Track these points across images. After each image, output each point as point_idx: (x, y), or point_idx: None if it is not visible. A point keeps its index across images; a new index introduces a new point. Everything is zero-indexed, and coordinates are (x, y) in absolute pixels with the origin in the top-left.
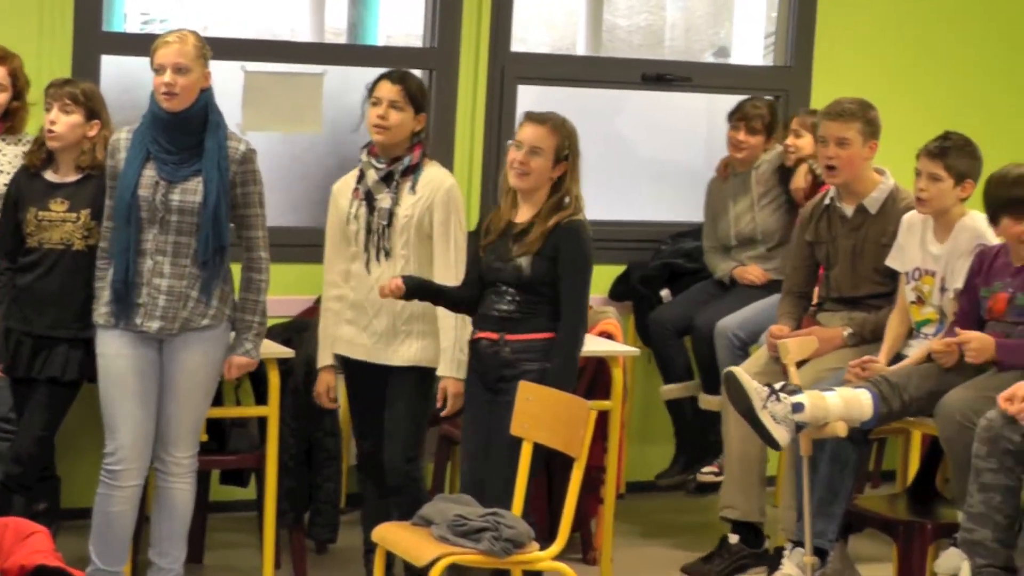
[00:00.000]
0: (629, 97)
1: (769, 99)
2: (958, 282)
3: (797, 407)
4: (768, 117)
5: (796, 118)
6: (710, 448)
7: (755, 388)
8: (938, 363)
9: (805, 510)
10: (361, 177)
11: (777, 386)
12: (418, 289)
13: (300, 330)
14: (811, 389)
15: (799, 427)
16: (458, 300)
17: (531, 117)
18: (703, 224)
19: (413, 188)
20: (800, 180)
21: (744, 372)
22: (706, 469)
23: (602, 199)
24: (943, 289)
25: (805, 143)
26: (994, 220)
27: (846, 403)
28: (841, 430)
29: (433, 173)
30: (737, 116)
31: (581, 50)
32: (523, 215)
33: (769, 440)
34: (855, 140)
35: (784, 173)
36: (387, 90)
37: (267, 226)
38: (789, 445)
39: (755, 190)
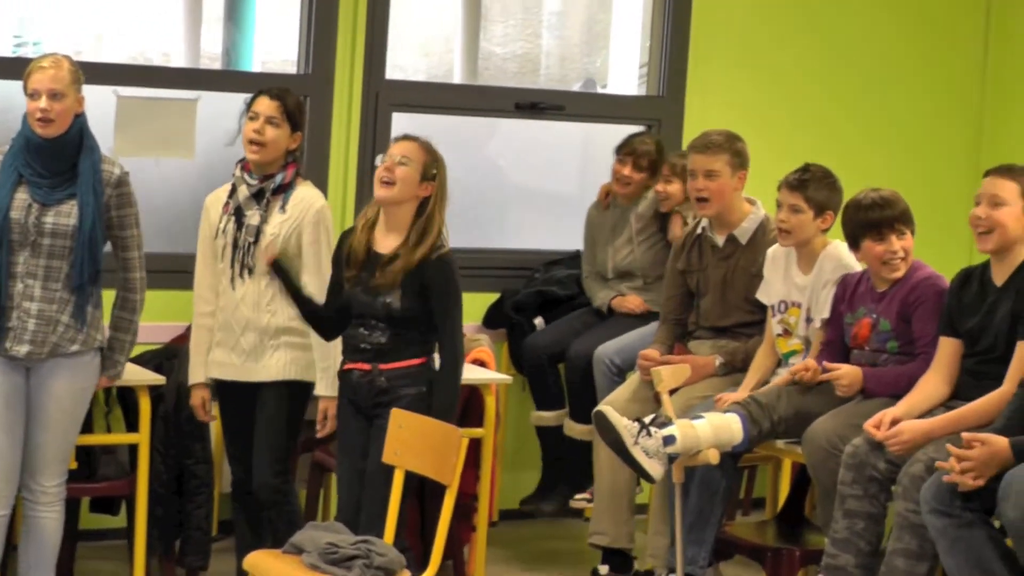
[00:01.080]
0: (504, 125)
1: (657, 138)
2: (823, 312)
3: (668, 440)
4: (655, 155)
5: (666, 164)
6: (577, 475)
7: (625, 425)
8: (800, 382)
9: (677, 536)
10: (233, 192)
11: (647, 420)
12: (283, 271)
13: (171, 356)
14: (681, 418)
15: (672, 458)
16: (315, 315)
17: (403, 136)
18: (582, 251)
19: (283, 207)
20: (677, 230)
21: (613, 411)
22: (579, 496)
23: (476, 226)
24: (808, 320)
25: (675, 190)
26: (855, 244)
27: (715, 429)
28: (713, 457)
29: (304, 193)
30: (625, 151)
31: (457, 78)
32: (387, 244)
33: (643, 474)
34: (723, 171)
35: (662, 217)
36: (265, 105)
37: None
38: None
39: (634, 226)
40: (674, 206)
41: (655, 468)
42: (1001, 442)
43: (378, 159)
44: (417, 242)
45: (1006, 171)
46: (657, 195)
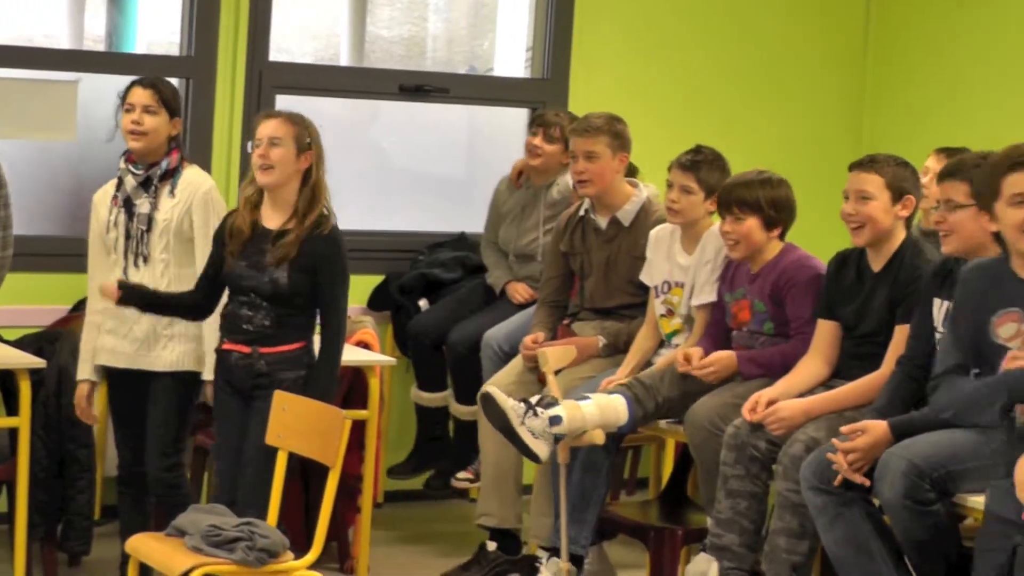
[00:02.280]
0: (389, 108)
1: (571, 113)
2: (704, 291)
3: (555, 420)
4: (568, 127)
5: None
6: (450, 452)
7: (511, 405)
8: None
9: (562, 517)
10: (120, 184)
11: (533, 400)
12: (135, 295)
13: (52, 340)
14: (566, 399)
15: (558, 439)
16: (187, 307)
17: (263, 114)
18: (486, 220)
19: (172, 192)
20: None
21: (499, 391)
22: (461, 475)
23: (361, 209)
24: (691, 298)
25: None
26: (722, 218)
27: (601, 410)
28: (599, 438)
29: (192, 176)
30: (537, 122)
31: (344, 61)
32: (275, 220)
33: (529, 455)
34: (604, 153)
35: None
36: (139, 95)
37: (17, 234)
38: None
39: (543, 212)
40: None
41: (541, 448)
42: (880, 427)
43: (249, 145)
44: (306, 210)
45: (869, 164)
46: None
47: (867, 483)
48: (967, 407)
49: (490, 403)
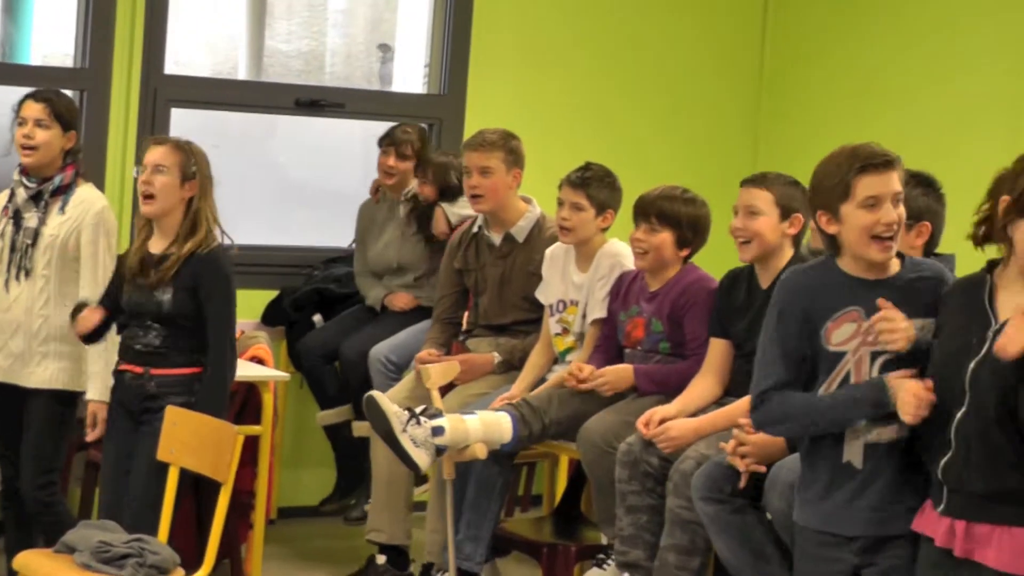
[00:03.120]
0: (286, 122)
1: (421, 126)
2: (598, 309)
3: (437, 430)
4: (418, 143)
5: (422, 163)
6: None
7: (395, 412)
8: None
9: (449, 532)
10: (12, 196)
11: (418, 410)
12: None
13: None
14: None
15: (440, 450)
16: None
17: (151, 140)
18: (355, 250)
19: (63, 208)
20: (441, 224)
21: (384, 396)
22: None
23: (257, 224)
24: (585, 317)
25: (429, 192)
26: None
27: (485, 426)
28: (481, 452)
29: (85, 194)
30: (387, 142)
31: (242, 75)
32: (159, 245)
33: (409, 463)
34: (498, 169)
35: (424, 210)
36: (31, 109)
37: None
38: (434, 469)
39: (403, 220)
40: (430, 202)
41: (422, 458)
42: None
43: (135, 170)
44: (186, 238)
45: (759, 180)
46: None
47: (763, 470)
48: (830, 422)
49: (374, 408)
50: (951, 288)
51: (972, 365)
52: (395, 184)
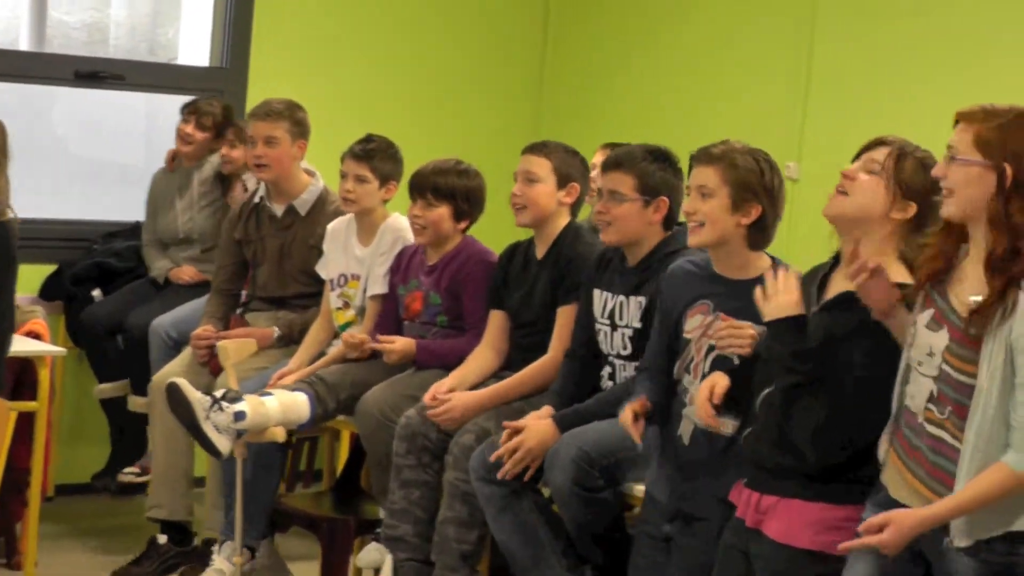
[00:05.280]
0: (67, 94)
1: (226, 101)
2: (378, 284)
3: (239, 416)
4: (220, 117)
5: (232, 127)
6: (143, 448)
7: (198, 399)
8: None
9: (237, 509)
10: None
11: (218, 394)
12: None
13: None
14: (248, 394)
15: (240, 434)
16: None
17: None
18: (145, 218)
19: None
20: (239, 194)
21: (186, 383)
22: (128, 469)
23: (35, 197)
24: (366, 291)
25: (238, 154)
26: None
27: (284, 407)
28: (280, 435)
29: None
30: (189, 110)
31: (24, 45)
32: None
33: (212, 450)
34: (283, 139)
35: (224, 180)
36: None
37: None
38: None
39: (196, 190)
40: (236, 170)
41: (224, 444)
42: (543, 424)
43: None
44: None
45: (540, 148)
46: (222, 158)
47: (530, 474)
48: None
49: (177, 395)
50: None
51: None
52: (190, 153)
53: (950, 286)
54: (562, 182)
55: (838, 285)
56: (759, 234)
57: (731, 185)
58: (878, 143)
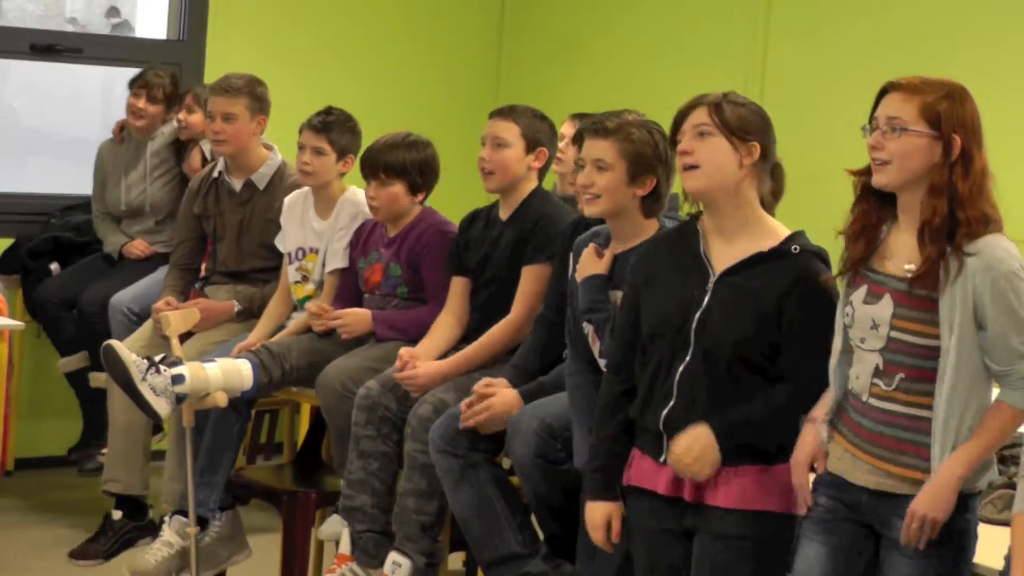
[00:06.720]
0: (21, 67)
1: (172, 70)
2: (338, 258)
3: (177, 379)
4: (170, 87)
5: (189, 93)
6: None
7: (133, 360)
8: (312, 327)
9: (189, 480)
10: None
11: (157, 358)
12: None
13: None
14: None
15: (180, 398)
16: None
17: None
18: (93, 191)
19: None
20: (195, 161)
21: (122, 344)
22: (105, 451)
23: None
24: (324, 265)
25: (196, 119)
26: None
27: (226, 373)
28: (222, 400)
29: None
30: (139, 84)
31: None
32: None
33: (149, 412)
34: (241, 115)
35: (179, 148)
36: None
37: None
38: (172, 417)
39: (149, 162)
40: (194, 136)
41: (162, 406)
42: (510, 394)
43: None
44: None
45: (508, 112)
46: (177, 124)
47: (493, 429)
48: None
49: (112, 356)
50: (651, 245)
51: (698, 315)
52: (144, 127)
53: (878, 258)
54: (530, 146)
55: (732, 249)
56: (655, 203)
57: (627, 159)
58: (688, 110)
